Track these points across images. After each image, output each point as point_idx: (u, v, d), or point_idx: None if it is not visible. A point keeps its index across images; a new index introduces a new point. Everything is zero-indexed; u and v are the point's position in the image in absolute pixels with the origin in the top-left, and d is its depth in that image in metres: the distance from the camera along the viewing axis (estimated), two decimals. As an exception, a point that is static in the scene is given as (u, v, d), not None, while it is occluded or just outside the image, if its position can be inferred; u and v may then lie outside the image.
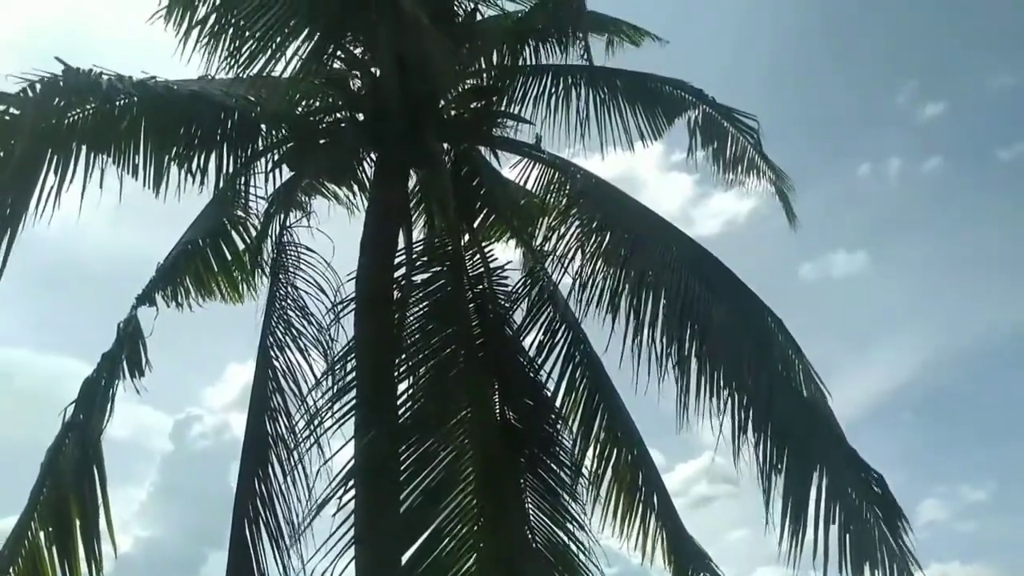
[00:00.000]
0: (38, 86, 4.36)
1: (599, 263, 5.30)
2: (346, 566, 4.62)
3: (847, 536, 4.12)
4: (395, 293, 5.71)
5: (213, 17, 5.36)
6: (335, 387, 5.19)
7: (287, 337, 5.33)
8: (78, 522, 4.34)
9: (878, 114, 21.83)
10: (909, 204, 21.94)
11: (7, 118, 4.51)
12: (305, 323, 5.41)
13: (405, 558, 4.79)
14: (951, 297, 20.54)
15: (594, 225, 5.53)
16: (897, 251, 20.95)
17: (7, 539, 4.46)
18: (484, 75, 6.53)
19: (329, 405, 5.09)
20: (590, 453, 5.92)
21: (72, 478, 4.44)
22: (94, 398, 4.61)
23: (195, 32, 5.31)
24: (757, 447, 4.44)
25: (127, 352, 4.73)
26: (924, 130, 21.35)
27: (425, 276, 5.98)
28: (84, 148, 4.86)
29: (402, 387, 5.44)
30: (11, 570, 4.41)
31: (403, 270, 5.85)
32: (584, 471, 5.89)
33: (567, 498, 5.83)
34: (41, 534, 4.41)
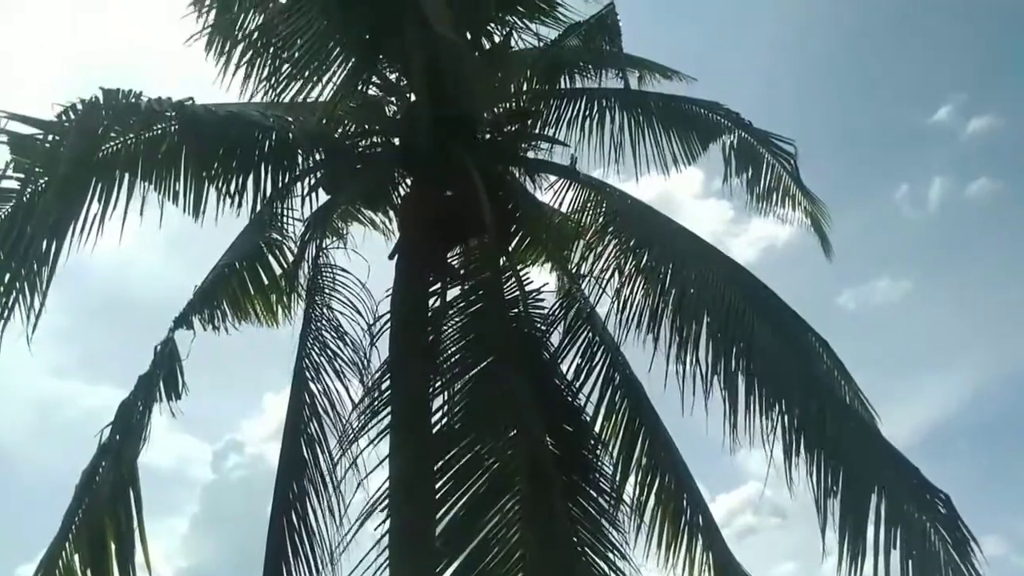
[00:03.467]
0: (79, 107, 4.43)
1: (638, 282, 5.20)
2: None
3: (910, 563, 3.89)
4: (430, 315, 5.66)
5: (251, 44, 5.50)
6: (370, 408, 5.11)
7: (322, 358, 5.29)
8: (113, 545, 4.28)
9: (917, 132, 21.34)
10: (956, 224, 21.27)
11: (47, 145, 4.58)
12: (340, 344, 5.38)
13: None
14: (1004, 322, 19.77)
15: (632, 243, 5.45)
16: (943, 276, 20.30)
17: (39, 562, 4.41)
18: (518, 98, 6.54)
19: (364, 426, 5.01)
20: (631, 480, 5.75)
21: (107, 501, 4.39)
22: (130, 420, 4.59)
23: (235, 59, 5.45)
24: (810, 469, 4.24)
25: (163, 374, 4.72)
26: (967, 147, 20.76)
27: (461, 298, 5.92)
28: (127, 175, 4.92)
29: (437, 408, 5.35)
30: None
31: (438, 293, 5.80)
32: (625, 498, 5.71)
33: (608, 526, 5.63)
34: (76, 557, 4.36)
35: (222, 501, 17.10)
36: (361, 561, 4.47)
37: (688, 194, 16.29)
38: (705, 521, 5.67)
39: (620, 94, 6.81)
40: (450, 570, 4.52)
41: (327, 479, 4.89)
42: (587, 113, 6.70)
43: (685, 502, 5.75)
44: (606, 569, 5.50)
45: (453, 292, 5.93)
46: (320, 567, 4.66)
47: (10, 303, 4.56)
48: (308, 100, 5.48)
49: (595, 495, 5.75)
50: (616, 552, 5.55)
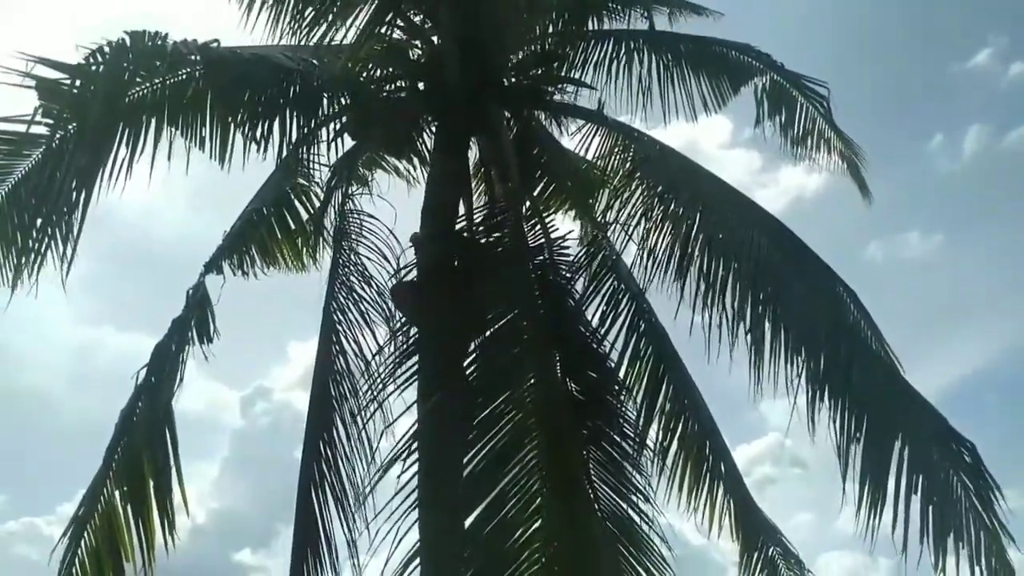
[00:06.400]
0: (106, 50, 4.41)
1: (666, 227, 5.17)
2: (409, 528, 4.63)
3: (930, 508, 3.92)
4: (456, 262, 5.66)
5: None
6: (397, 352, 5.18)
7: (349, 302, 5.34)
8: (151, 482, 4.44)
9: (954, 79, 20.55)
10: (992, 174, 20.64)
11: (75, 90, 4.57)
12: (368, 289, 5.42)
13: (468, 522, 4.75)
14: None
15: (659, 189, 5.40)
16: (976, 229, 19.82)
17: (83, 497, 4.59)
18: (545, 41, 6.42)
19: (391, 370, 5.09)
20: (655, 425, 5.81)
21: (145, 440, 4.55)
22: (165, 362, 4.71)
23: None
24: (833, 416, 4.25)
25: (195, 318, 4.81)
26: (1007, 93, 19.96)
27: (486, 245, 5.91)
28: (153, 121, 4.92)
29: (463, 356, 5.39)
30: (88, 527, 4.54)
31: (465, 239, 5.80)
32: (649, 443, 5.78)
33: (631, 470, 5.71)
34: (116, 493, 4.54)
35: (251, 446, 17.65)
36: (391, 500, 4.56)
37: (715, 143, 16.01)
38: (727, 467, 5.74)
39: (649, 36, 6.64)
40: (473, 515, 4.61)
41: (357, 423, 4.99)
42: (614, 55, 6.55)
43: (708, 448, 5.82)
44: (629, 511, 5.60)
45: (479, 238, 5.91)
46: (351, 508, 4.78)
47: (43, 249, 4.65)
48: (333, 43, 5.43)
49: (619, 440, 5.82)
50: (639, 495, 5.64)
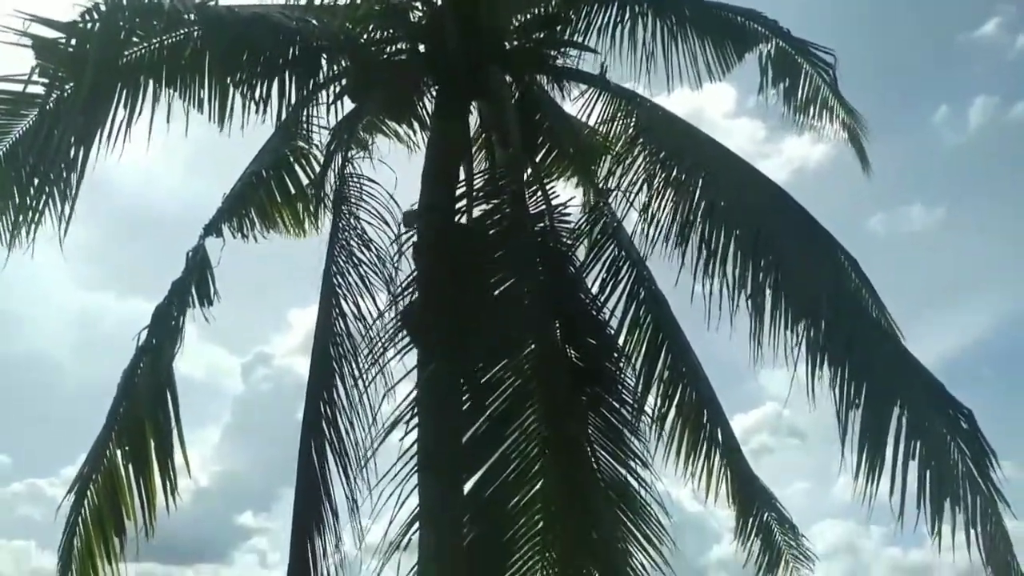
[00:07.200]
0: (102, 7, 4.35)
1: (668, 194, 5.13)
2: (410, 492, 4.66)
3: (927, 472, 3.94)
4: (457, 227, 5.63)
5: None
6: (398, 318, 5.18)
7: (349, 266, 5.33)
8: (152, 442, 4.47)
9: (961, 49, 20.30)
10: (998, 146, 20.47)
11: (71, 49, 4.50)
12: (368, 254, 5.40)
13: (468, 486, 4.80)
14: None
15: (662, 155, 5.35)
16: (978, 202, 19.75)
17: (87, 457, 4.62)
18: (548, 4, 6.32)
19: (392, 335, 5.10)
20: (653, 392, 5.84)
21: (146, 401, 4.56)
22: (165, 324, 4.71)
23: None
24: (833, 383, 4.25)
25: (195, 281, 4.80)
26: (1015, 64, 19.74)
27: (486, 212, 5.89)
28: (151, 82, 4.86)
29: (463, 322, 5.38)
30: (91, 486, 4.58)
31: (465, 203, 5.77)
32: (647, 410, 5.81)
33: (630, 437, 5.76)
34: (118, 452, 4.57)
35: (252, 411, 17.82)
36: (393, 465, 4.61)
37: (719, 112, 15.85)
38: (724, 435, 5.78)
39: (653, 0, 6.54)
40: (473, 479, 4.65)
41: (359, 386, 5.00)
42: (618, 20, 6.44)
43: (705, 416, 5.85)
44: (627, 476, 5.65)
45: (479, 204, 5.89)
46: (352, 470, 4.81)
47: (41, 207, 4.63)
48: (331, 3, 5.35)
49: (618, 406, 5.86)
50: (638, 461, 5.69)
